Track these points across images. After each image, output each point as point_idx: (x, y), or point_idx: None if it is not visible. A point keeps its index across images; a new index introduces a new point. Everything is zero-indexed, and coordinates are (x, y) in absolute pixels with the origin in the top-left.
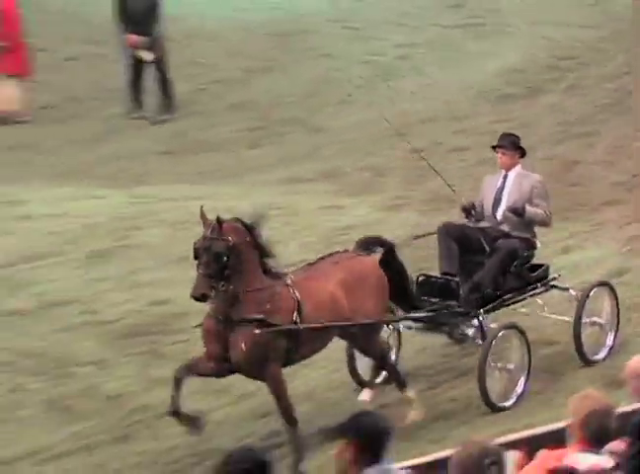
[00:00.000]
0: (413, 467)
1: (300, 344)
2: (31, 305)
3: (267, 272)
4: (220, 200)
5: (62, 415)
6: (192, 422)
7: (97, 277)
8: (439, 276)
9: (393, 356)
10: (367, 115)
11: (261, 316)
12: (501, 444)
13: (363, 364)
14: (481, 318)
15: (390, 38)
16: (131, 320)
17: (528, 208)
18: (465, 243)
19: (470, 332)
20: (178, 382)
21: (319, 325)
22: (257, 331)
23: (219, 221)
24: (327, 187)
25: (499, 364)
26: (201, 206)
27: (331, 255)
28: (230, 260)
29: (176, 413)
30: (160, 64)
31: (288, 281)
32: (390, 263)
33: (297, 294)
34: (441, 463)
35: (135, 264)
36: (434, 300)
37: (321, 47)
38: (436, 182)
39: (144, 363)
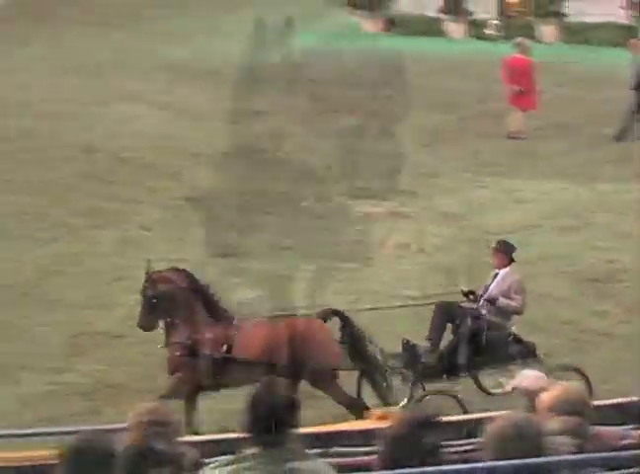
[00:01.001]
0: None
1: (225, 372)
2: (534, 258)
3: (211, 311)
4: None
5: None
6: None
7: (566, 242)
8: (413, 341)
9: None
10: None
11: (188, 342)
12: None
13: (368, 393)
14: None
15: None
16: (592, 269)
17: (501, 299)
18: (455, 320)
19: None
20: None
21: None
22: (177, 353)
23: (150, 274)
24: None
25: None
26: (148, 260)
27: (288, 316)
28: (161, 302)
29: None
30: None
31: (234, 322)
32: (347, 329)
33: (235, 332)
34: None
35: (591, 234)
36: (393, 362)
37: None
38: None
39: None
